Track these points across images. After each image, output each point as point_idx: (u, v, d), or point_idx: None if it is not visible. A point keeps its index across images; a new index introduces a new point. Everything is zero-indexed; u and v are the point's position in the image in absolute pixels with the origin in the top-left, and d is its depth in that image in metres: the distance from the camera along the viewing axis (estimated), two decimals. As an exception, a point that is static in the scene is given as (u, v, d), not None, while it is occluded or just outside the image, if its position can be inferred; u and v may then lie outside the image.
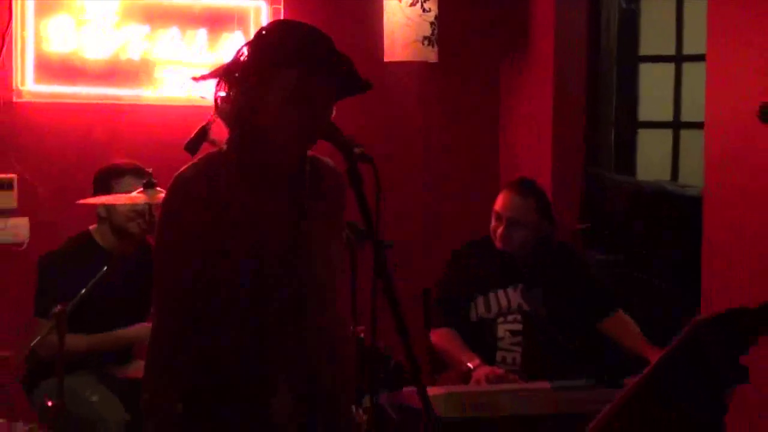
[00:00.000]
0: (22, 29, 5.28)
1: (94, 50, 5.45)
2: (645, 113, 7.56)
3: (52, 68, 5.36)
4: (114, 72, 5.52)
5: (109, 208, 4.62)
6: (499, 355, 4.96)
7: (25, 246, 5.31)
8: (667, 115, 7.37)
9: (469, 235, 5.16)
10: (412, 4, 6.04)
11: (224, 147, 2.95)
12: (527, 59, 6.56)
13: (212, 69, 2.99)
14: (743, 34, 5.50)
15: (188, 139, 3.04)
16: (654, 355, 4.10)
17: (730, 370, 2.73)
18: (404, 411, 4.49)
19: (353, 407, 3.52)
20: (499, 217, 4.97)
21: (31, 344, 4.40)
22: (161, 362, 2.95)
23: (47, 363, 4.33)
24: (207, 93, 2.96)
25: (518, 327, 5.00)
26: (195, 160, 2.96)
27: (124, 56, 5.53)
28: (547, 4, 6.43)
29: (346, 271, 3.13)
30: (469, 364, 4.78)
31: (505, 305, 5.00)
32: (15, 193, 5.33)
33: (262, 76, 2.83)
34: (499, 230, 4.95)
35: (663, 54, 7.35)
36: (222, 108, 2.89)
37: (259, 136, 2.88)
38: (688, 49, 7.12)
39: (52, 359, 4.01)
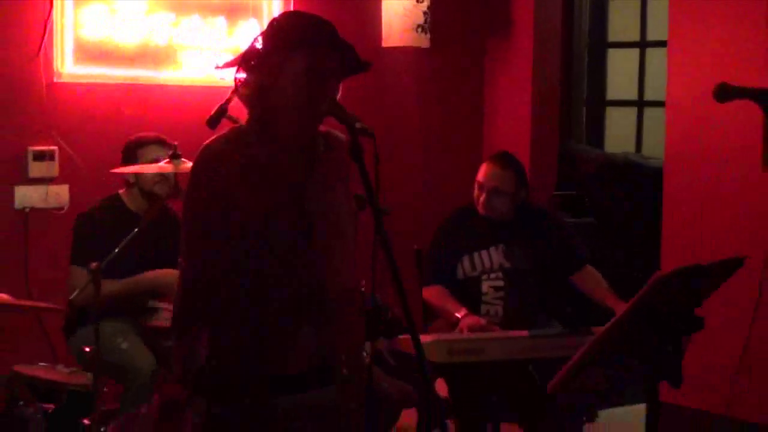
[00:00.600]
0: (62, 17, 5.26)
1: (125, 36, 5.43)
2: (612, 93, 7.57)
3: (88, 52, 5.34)
4: (143, 55, 5.50)
5: (138, 174, 4.63)
6: (483, 308, 4.98)
7: (65, 210, 5.31)
8: (632, 95, 7.38)
9: (457, 200, 5.16)
10: (408, -5, 6.05)
11: (244, 123, 2.97)
12: (509, 44, 6.55)
13: (232, 57, 3.00)
14: (701, 23, 5.50)
15: (209, 116, 3.05)
16: (619, 307, 4.13)
17: (686, 319, 2.74)
18: (399, 356, 4.52)
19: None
20: (481, 187, 4.97)
21: (70, 297, 4.43)
22: (185, 304, 2.96)
23: (84, 312, 4.34)
24: (225, 75, 2.97)
25: (500, 283, 5.01)
26: (217, 133, 2.97)
27: (151, 41, 5.51)
28: (527, -3, 6.45)
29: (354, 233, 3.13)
30: (456, 314, 4.80)
31: (488, 264, 5.01)
32: (56, 163, 5.32)
33: (275, 62, 2.85)
34: (482, 198, 4.95)
35: (629, 40, 7.36)
36: (241, 92, 2.91)
37: (274, 113, 2.89)
38: (651, 36, 7.12)
39: (89, 306, 4.03)
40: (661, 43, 5.95)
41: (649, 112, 7.34)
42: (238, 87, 2.93)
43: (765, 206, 4.71)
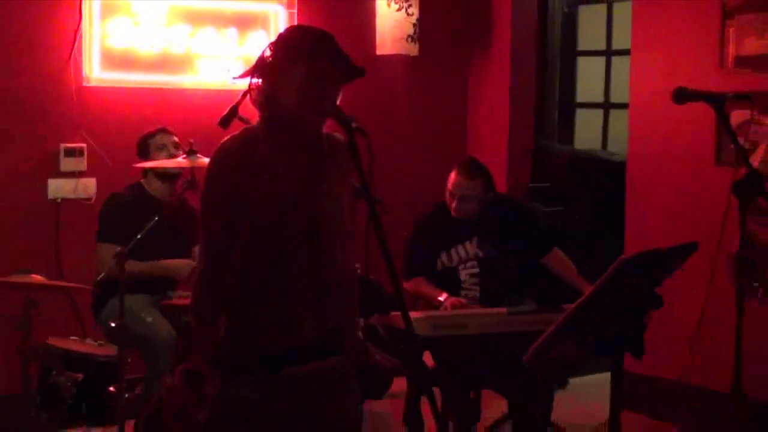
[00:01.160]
0: (90, 28, 5.24)
1: (146, 45, 5.42)
2: (581, 96, 7.56)
3: (113, 60, 5.33)
4: (162, 63, 5.49)
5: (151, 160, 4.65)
6: (462, 293, 4.96)
7: (92, 200, 5.30)
8: (599, 98, 7.38)
9: (442, 192, 5.14)
10: (399, 9, 6.04)
11: (256, 124, 2.97)
12: (489, 53, 6.54)
13: (244, 66, 3.01)
14: (660, 33, 5.50)
15: (221, 116, 3.05)
16: (586, 287, 4.13)
17: (647, 298, 2.74)
18: (391, 330, 4.52)
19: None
20: (452, 194, 4.95)
21: (97, 279, 4.42)
22: (203, 286, 2.97)
23: (110, 289, 4.34)
24: (237, 81, 2.98)
25: (475, 271, 5.00)
26: (230, 133, 2.98)
27: (170, 50, 5.50)
28: (505, 10, 6.42)
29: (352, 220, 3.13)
30: (439, 298, 4.80)
31: (464, 256, 5.00)
32: (85, 158, 5.32)
33: (281, 70, 2.86)
34: (453, 204, 4.94)
35: (596, 49, 7.34)
36: (254, 97, 2.92)
37: (281, 115, 2.90)
38: (616, 45, 7.11)
39: (115, 282, 4.02)
40: (625, 52, 5.94)
41: (614, 113, 7.34)
42: (251, 92, 2.94)
43: (717, 197, 4.70)
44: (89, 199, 5.32)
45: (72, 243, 5.24)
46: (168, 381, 3.87)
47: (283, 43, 2.92)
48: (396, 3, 6.04)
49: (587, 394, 5.86)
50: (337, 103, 2.87)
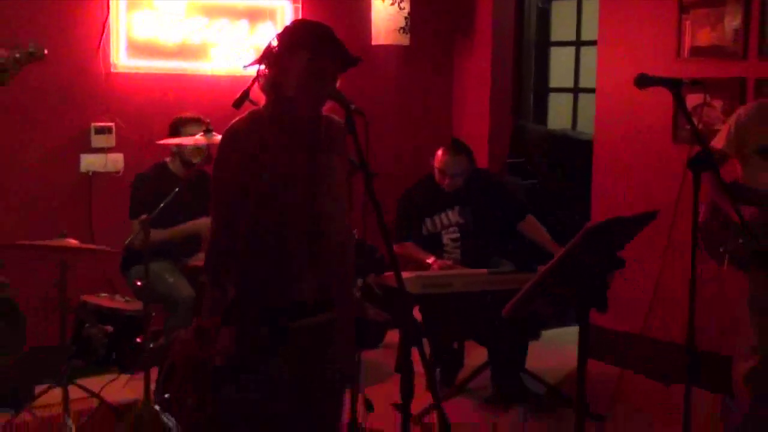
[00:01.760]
0: (117, 21, 5.21)
1: (167, 36, 5.39)
2: (554, 82, 7.53)
3: (138, 48, 5.30)
4: (181, 51, 5.46)
5: (179, 146, 4.63)
6: (444, 256, 5.00)
7: (120, 173, 5.29)
8: (570, 84, 7.34)
9: (428, 168, 5.14)
10: (392, 4, 6.01)
11: (262, 107, 2.97)
12: (472, 43, 6.52)
13: (254, 56, 3.00)
14: (624, 26, 5.48)
15: (234, 99, 3.04)
16: (557, 251, 4.14)
17: (610, 260, 2.74)
18: (385, 288, 4.53)
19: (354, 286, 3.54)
20: (441, 172, 4.96)
21: (126, 242, 4.43)
22: (216, 251, 2.98)
23: (137, 253, 4.34)
24: (248, 69, 2.99)
25: (457, 236, 5.03)
26: (240, 114, 2.98)
27: (188, 40, 5.47)
28: (487, 5, 6.40)
29: (348, 192, 3.13)
30: (428, 261, 4.82)
31: (446, 222, 5.02)
32: (114, 136, 5.30)
33: (285, 59, 2.86)
34: (446, 182, 4.95)
35: (567, 40, 7.31)
36: (261, 83, 2.93)
37: (285, 100, 2.90)
38: (585, 37, 7.08)
39: (141, 249, 4.02)
40: (593, 43, 5.92)
41: (582, 97, 7.31)
42: (259, 79, 2.93)
43: (674, 171, 4.70)
44: (117, 172, 5.31)
45: (102, 211, 5.24)
46: (182, 334, 3.89)
47: (288, 35, 2.92)
48: (389, -2, 6.02)
49: (557, 344, 5.88)
50: (336, 87, 2.87)
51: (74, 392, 4.16)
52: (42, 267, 4.56)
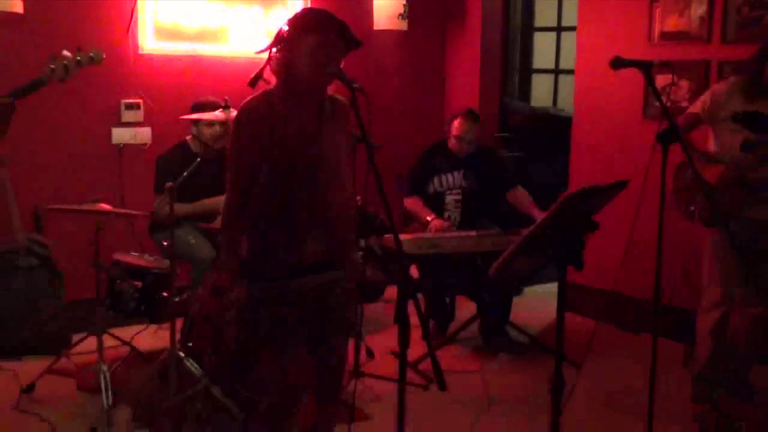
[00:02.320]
0: (144, 7, 5.17)
1: (189, 21, 5.35)
2: (537, 63, 7.50)
3: (163, 32, 5.26)
4: (202, 35, 5.42)
5: (199, 129, 4.58)
6: (445, 214, 5.00)
7: (148, 146, 5.27)
8: (551, 65, 7.31)
9: (426, 139, 5.13)
10: (392, -8, 5.98)
11: (274, 86, 2.96)
12: (464, 28, 6.48)
13: (267, 41, 2.98)
14: (600, 13, 5.44)
15: (249, 78, 3.02)
16: (540, 215, 4.14)
17: (586, 223, 2.74)
18: (385, 250, 4.54)
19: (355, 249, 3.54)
20: (460, 139, 4.95)
21: (154, 208, 4.43)
22: (230, 215, 2.99)
23: (162, 224, 4.35)
24: (261, 53, 2.97)
25: (459, 197, 5.03)
26: (254, 93, 2.97)
27: (208, 25, 5.42)
28: (478, -7, 6.37)
29: (351, 163, 3.13)
30: (427, 218, 4.82)
31: (451, 183, 5.02)
32: (142, 111, 5.28)
33: (295, 42, 2.85)
34: (462, 147, 4.95)
35: (549, 26, 7.27)
36: (273, 65, 2.91)
37: (294, 79, 2.89)
38: (565, 23, 7.04)
39: (166, 219, 4.02)
40: (572, 28, 5.88)
41: (562, 78, 7.28)
42: (271, 62, 2.91)
43: (643, 144, 4.68)
44: (145, 144, 5.29)
45: (132, 179, 5.23)
46: (199, 291, 3.90)
47: (297, 21, 2.91)
48: (390, -13, 5.98)
49: (538, 299, 5.91)
50: (341, 68, 2.86)
51: (108, 341, 4.18)
52: (79, 229, 4.57)
